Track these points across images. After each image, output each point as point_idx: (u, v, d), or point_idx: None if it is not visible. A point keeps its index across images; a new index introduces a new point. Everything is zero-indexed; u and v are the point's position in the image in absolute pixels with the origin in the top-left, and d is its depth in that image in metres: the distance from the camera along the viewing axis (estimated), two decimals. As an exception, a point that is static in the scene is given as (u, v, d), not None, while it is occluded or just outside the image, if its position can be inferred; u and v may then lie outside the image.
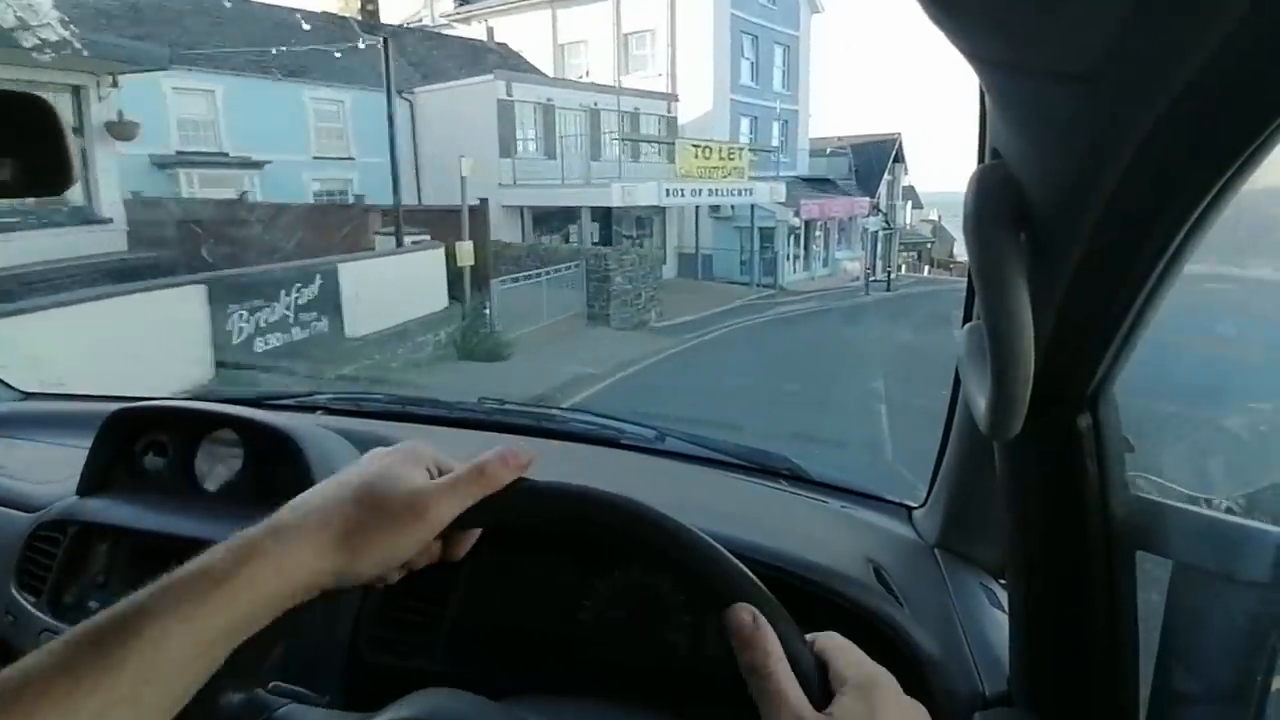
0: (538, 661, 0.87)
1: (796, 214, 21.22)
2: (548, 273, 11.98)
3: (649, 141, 20.25)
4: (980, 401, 0.50)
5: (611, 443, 1.33)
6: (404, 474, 0.46)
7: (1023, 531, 0.63)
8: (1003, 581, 0.92)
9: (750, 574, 0.46)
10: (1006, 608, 0.77)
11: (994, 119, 0.46)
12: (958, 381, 0.81)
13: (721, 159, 19.30)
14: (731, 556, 0.47)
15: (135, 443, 1.16)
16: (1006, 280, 0.44)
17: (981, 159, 0.54)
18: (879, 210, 26.62)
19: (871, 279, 22.38)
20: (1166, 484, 0.59)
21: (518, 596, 0.91)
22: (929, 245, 34.63)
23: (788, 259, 22.46)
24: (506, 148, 16.83)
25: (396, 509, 0.45)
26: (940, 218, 35.79)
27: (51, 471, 1.20)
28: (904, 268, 31.67)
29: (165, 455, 1.15)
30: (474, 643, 0.89)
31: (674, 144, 19.05)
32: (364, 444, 1.16)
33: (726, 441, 1.35)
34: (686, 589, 0.83)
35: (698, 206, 20.42)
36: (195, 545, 1.03)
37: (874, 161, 27.48)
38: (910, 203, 32.30)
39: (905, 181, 31.05)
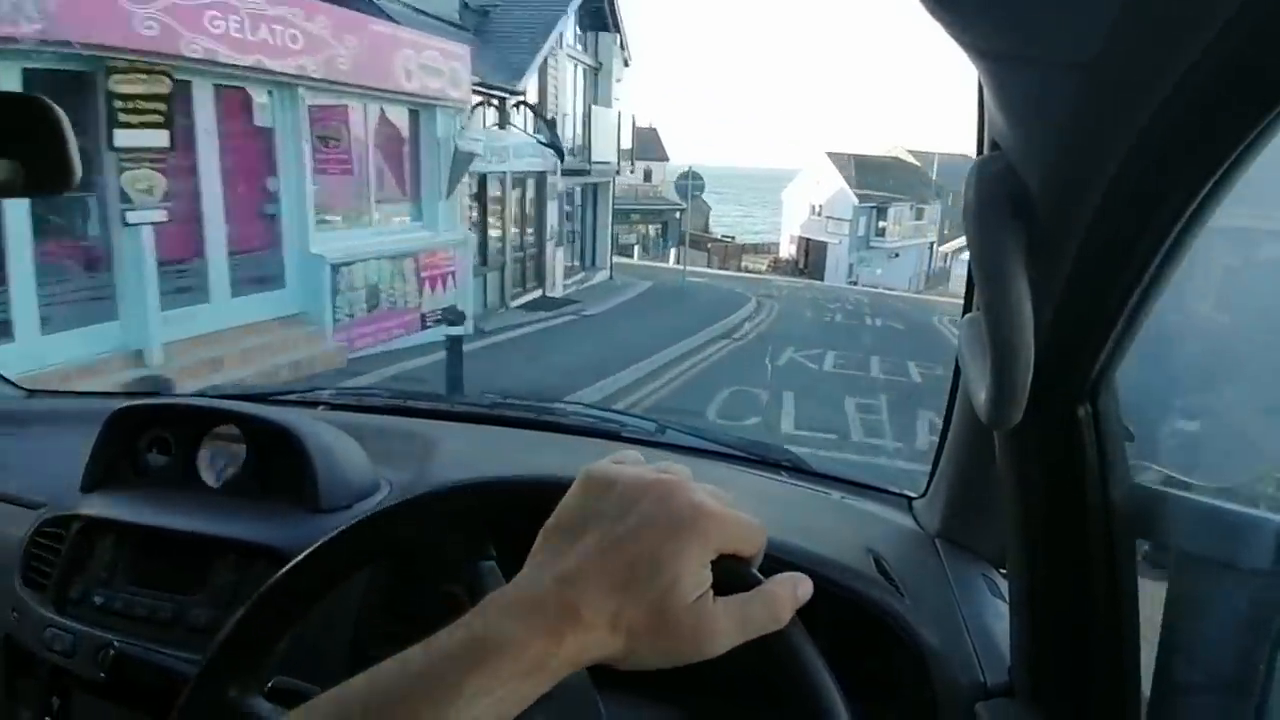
0: None
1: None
2: None
3: None
4: (980, 391, 0.50)
5: (613, 436, 1.33)
6: (692, 576, 0.42)
7: (1023, 521, 0.63)
8: (1003, 571, 0.92)
9: None
10: (1007, 598, 0.77)
11: (993, 111, 0.46)
12: (958, 371, 0.81)
13: None
14: None
15: (138, 439, 1.17)
16: (1006, 270, 0.44)
17: (980, 150, 0.54)
18: (524, 103, 11.48)
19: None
20: (1167, 472, 0.59)
21: None
22: (678, 214, 24.54)
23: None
24: None
25: (677, 629, 0.42)
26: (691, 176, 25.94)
27: (55, 469, 1.20)
28: (641, 249, 21.26)
29: (168, 452, 1.15)
30: None
31: None
32: (366, 438, 1.16)
33: (726, 434, 1.35)
34: None
35: None
36: (198, 540, 1.04)
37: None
38: (628, 140, 17.36)
39: (620, 77, 16.23)
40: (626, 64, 16.72)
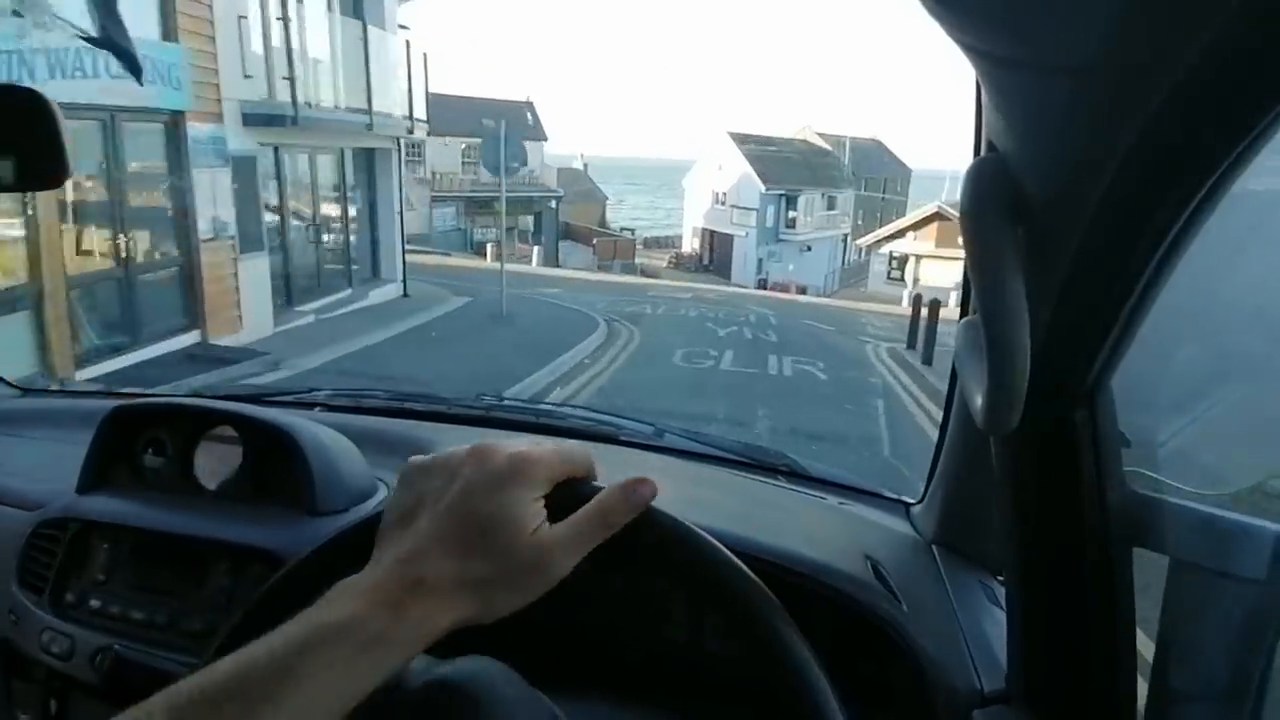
0: (534, 656, 0.87)
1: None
2: None
3: None
4: (977, 396, 0.50)
5: (610, 439, 1.33)
6: (524, 515, 0.45)
7: (1019, 528, 0.63)
8: (1001, 578, 0.92)
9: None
10: (1004, 605, 0.77)
11: (990, 112, 0.46)
12: (955, 376, 0.81)
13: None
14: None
15: (134, 440, 1.16)
16: (1003, 274, 0.44)
17: (978, 152, 0.54)
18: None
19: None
20: (1163, 480, 0.58)
21: None
22: (553, 203, 20.68)
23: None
24: None
25: (522, 566, 0.44)
26: (588, 165, 23.79)
27: (51, 469, 1.20)
28: (510, 245, 15.96)
29: (164, 453, 1.15)
30: (470, 636, 0.89)
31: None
32: (363, 440, 1.16)
33: (724, 438, 1.35)
34: (687, 588, 0.83)
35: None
36: (195, 542, 1.04)
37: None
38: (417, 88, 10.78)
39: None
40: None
